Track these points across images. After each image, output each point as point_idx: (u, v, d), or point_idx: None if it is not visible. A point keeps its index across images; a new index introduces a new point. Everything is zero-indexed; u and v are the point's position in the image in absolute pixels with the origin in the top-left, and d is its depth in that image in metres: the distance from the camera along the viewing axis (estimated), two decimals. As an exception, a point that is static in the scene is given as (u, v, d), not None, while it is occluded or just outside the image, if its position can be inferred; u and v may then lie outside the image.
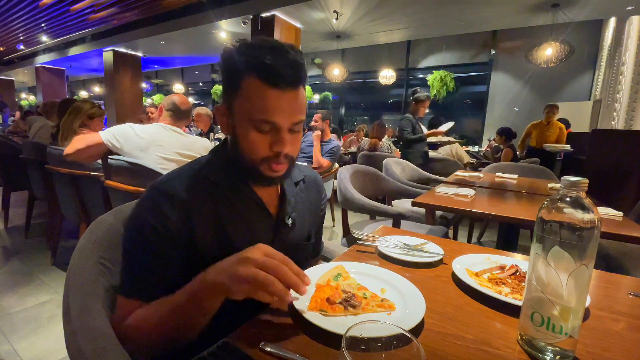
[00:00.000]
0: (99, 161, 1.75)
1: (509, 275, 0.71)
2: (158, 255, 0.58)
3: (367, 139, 4.25)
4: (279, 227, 0.70)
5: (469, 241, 2.98)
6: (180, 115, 1.74)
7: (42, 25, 6.90)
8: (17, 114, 6.14)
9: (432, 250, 0.85)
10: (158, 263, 0.58)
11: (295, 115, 0.61)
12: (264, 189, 0.69)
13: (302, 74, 0.60)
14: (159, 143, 1.59)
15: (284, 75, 0.57)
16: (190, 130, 6.00)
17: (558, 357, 0.47)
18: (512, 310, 0.58)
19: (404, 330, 0.35)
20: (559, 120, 4.76)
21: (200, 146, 1.70)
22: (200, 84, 11.92)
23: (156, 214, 0.58)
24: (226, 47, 0.62)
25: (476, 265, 0.77)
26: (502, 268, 0.75)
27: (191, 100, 11.66)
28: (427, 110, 3.58)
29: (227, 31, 5.97)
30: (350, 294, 0.59)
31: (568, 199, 0.46)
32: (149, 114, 4.49)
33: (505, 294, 0.63)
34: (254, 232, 0.66)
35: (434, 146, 4.09)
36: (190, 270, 0.59)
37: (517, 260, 0.80)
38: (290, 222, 0.71)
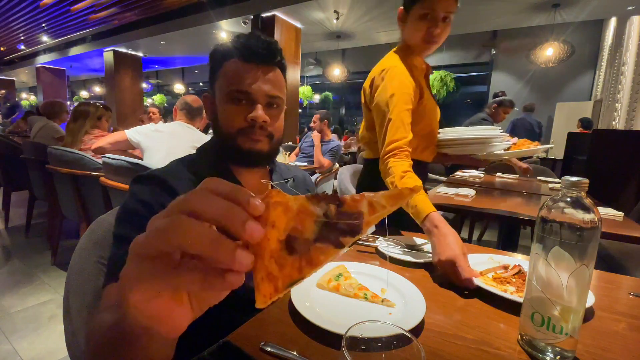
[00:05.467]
0: (99, 161, 1.78)
1: (513, 275, 0.71)
2: None
3: None
4: None
5: (469, 241, 2.97)
6: (193, 113, 1.86)
7: (43, 25, 6.91)
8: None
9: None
10: None
11: (270, 89, 0.65)
12: (251, 180, 0.70)
13: (277, 55, 0.67)
14: (176, 136, 1.70)
15: (257, 52, 0.64)
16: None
17: (558, 357, 0.47)
18: (517, 310, 0.58)
19: (404, 330, 0.35)
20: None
21: None
22: (201, 84, 11.91)
23: (146, 193, 0.59)
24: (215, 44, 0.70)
25: (479, 265, 0.77)
26: (506, 268, 0.75)
27: (191, 100, 11.62)
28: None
29: (227, 31, 5.97)
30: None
31: (569, 199, 0.46)
32: (151, 114, 4.50)
33: (510, 293, 0.63)
34: None
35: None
36: None
37: (519, 260, 0.80)
38: None
